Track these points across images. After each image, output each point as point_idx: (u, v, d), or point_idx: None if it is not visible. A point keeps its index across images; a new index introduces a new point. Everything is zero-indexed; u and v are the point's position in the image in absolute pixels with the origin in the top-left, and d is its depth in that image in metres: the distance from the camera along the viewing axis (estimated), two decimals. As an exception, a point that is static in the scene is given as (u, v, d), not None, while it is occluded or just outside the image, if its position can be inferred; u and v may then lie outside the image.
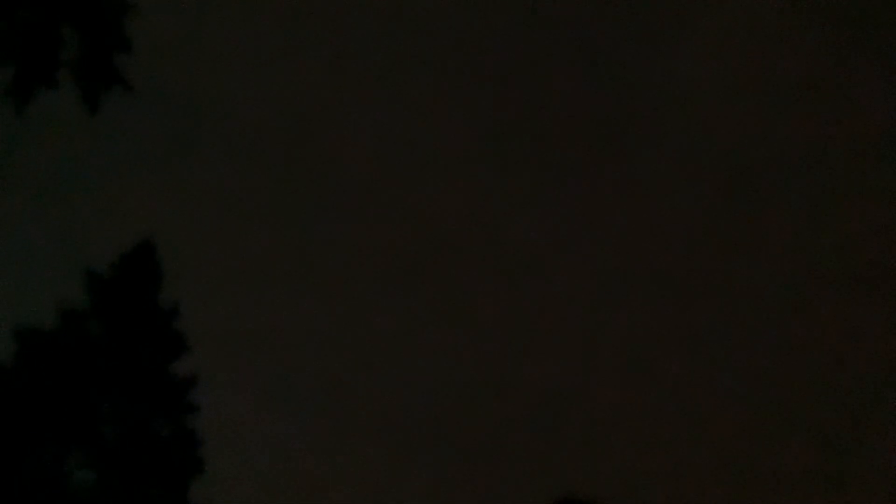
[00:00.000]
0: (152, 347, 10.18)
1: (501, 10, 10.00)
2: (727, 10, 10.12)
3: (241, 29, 10.00)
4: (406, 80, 9.95)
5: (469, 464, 9.67)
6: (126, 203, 10.18)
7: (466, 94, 10.07)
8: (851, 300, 9.93)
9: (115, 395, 10.00)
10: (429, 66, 10.01)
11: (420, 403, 9.83)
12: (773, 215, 10.35)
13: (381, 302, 10.18)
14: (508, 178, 10.24)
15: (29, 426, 9.68)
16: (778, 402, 9.78)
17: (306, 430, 9.74)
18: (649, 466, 9.80)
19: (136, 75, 9.91)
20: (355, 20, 9.81)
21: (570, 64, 10.07)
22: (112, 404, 9.99)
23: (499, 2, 10.04)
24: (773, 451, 9.56)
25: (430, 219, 10.23)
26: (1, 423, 9.60)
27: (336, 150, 10.17)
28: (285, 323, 10.17)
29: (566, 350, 10.24)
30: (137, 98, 10.12)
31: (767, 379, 9.89)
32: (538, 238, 10.40)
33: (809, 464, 9.20)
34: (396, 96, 9.99)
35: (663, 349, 10.18)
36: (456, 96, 10.10)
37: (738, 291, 10.12)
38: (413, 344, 9.90)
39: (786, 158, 10.21)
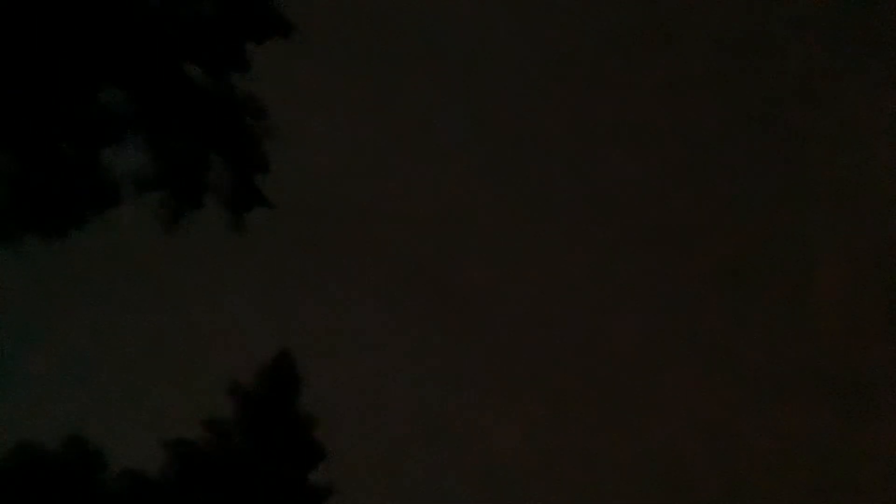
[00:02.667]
0: (292, 457, 10.35)
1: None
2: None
3: (379, 149, 10.52)
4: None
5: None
6: (265, 314, 10.55)
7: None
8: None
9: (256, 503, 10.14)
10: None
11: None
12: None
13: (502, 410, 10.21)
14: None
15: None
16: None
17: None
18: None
19: (275, 194, 10.48)
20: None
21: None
22: (254, 513, 10.11)
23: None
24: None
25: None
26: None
27: (475, 277, 10.42)
28: (421, 430, 10.22)
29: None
30: (277, 216, 10.65)
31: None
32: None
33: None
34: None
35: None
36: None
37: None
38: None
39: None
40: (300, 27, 10.54)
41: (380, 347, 10.30)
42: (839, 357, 10.03)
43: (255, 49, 10.58)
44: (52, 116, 10.26)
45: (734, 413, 9.84)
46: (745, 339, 10.16)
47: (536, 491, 9.74)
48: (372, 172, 10.69)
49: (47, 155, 10.37)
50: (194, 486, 10.32)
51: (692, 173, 10.42)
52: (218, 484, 10.33)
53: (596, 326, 10.32)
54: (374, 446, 10.22)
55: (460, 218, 10.53)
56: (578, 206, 10.50)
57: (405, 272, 10.38)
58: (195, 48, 10.57)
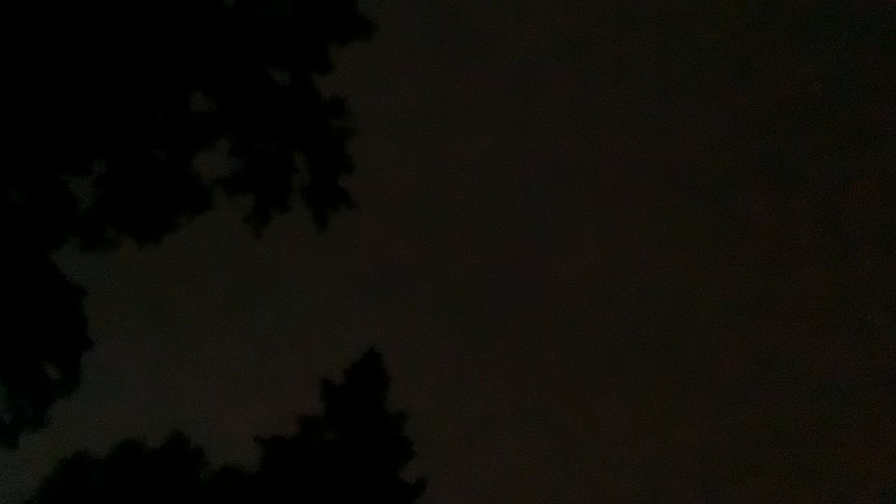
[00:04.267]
0: (382, 452, 10.63)
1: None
2: None
3: (461, 149, 10.61)
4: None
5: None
6: (354, 315, 10.79)
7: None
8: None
9: (349, 499, 10.45)
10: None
11: None
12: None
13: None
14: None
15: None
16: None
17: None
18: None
19: (359, 194, 10.64)
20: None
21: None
22: (347, 507, 10.43)
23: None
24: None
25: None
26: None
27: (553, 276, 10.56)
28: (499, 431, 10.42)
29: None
30: (362, 216, 10.83)
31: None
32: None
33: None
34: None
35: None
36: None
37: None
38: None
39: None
40: (381, 28, 10.61)
41: (462, 346, 10.50)
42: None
43: (338, 50, 10.70)
44: (144, 123, 10.49)
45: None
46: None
47: (623, 473, 9.96)
48: (454, 171, 10.79)
49: (140, 161, 10.63)
50: (288, 481, 10.67)
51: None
52: (311, 478, 10.67)
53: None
54: (460, 442, 10.46)
55: (540, 214, 10.62)
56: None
57: (488, 270, 10.52)
58: (278, 51, 10.70)
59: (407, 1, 10.63)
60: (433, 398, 10.46)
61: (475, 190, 10.39)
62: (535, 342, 10.18)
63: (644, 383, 10.07)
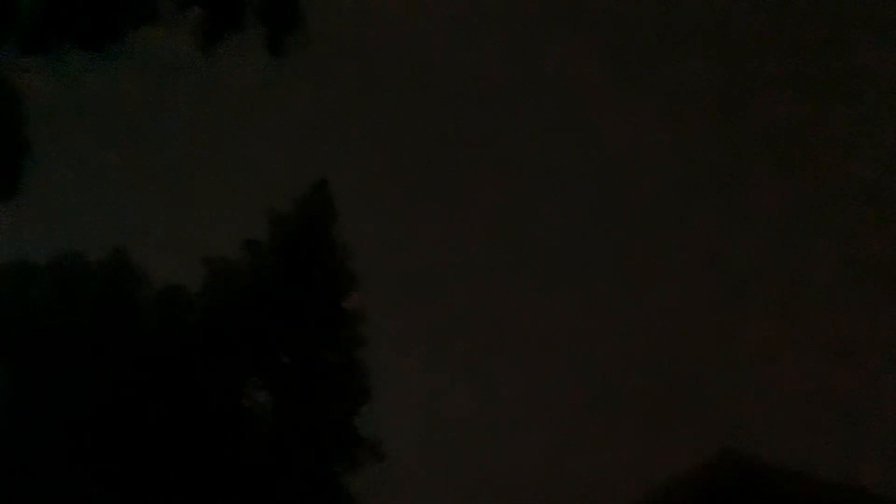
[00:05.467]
0: (325, 282, 10.88)
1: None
2: None
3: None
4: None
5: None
6: (304, 145, 10.66)
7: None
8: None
9: (290, 325, 10.80)
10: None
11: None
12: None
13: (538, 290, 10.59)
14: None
15: (214, 350, 10.58)
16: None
17: (464, 365, 10.43)
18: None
19: (315, 21, 10.15)
20: None
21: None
22: (288, 333, 10.80)
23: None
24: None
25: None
26: (189, 346, 10.52)
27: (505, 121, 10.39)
28: (446, 263, 10.67)
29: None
30: (317, 44, 10.40)
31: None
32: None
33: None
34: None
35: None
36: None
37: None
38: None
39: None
40: None
41: (413, 180, 10.53)
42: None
43: None
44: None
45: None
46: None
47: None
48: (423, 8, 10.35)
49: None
50: (230, 303, 10.87)
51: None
52: (253, 301, 10.89)
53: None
54: (403, 277, 10.74)
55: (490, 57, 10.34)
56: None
57: (440, 108, 10.39)
58: None
59: None
60: (383, 234, 10.59)
61: (443, 31, 10.00)
62: (491, 184, 10.22)
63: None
